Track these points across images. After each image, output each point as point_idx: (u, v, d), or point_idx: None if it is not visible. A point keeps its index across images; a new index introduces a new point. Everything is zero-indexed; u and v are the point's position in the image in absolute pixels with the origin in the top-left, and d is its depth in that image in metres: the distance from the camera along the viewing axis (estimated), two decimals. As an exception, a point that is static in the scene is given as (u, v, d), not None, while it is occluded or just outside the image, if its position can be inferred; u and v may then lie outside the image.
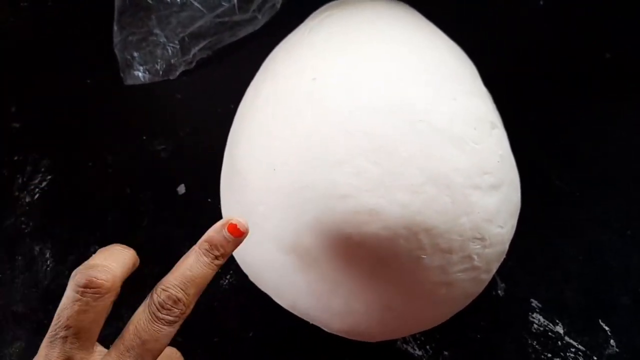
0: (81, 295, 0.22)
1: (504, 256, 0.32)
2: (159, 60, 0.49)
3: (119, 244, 0.25)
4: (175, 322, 0.22)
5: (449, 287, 0.28)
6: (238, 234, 0.24)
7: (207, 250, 0.24)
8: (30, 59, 0.53)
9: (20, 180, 0.45)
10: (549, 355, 0.36)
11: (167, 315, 0.22)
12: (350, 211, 0.26)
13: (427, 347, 0.36)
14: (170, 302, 0.22)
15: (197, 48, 0.50)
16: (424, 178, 0.27)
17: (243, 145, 0.33)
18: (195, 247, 0.24)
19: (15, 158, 0.46)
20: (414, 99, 0.29)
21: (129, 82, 0.50)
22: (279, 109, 0.31)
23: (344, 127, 0.28)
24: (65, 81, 0.51)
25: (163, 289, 0.22)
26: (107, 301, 0.22)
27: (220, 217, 0.37)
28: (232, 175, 0.34)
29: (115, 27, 0.50)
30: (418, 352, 0.36)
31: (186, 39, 0.50)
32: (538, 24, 0.51)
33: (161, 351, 0.22)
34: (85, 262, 0.23)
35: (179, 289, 0.22)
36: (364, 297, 0.28)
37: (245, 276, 0.35)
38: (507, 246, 0.31)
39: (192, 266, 0.23)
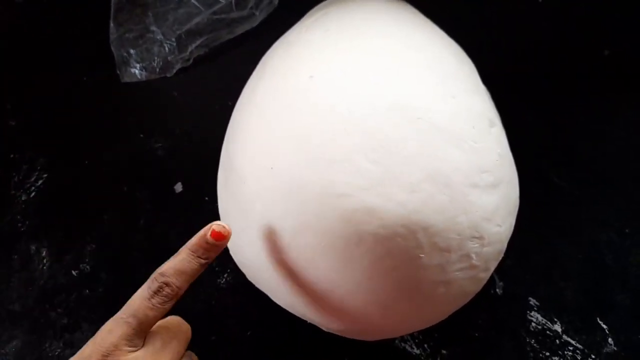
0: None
1: (502, 255, 0.31)
2: (155, 58, 0.49)
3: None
4: (166, 302, 0.26)
5: (447, 286, 0.28)
6: (220, 238, 0.28)
7: (194, 253, 0.27)
8: (26, 57, 0.52)
9: (16, 179, 0.45)
10: (547, 353, 0.36)
11: (160, 297, 0.26)
12: (348, 210, 0.26)
13: (425, 345, 0.36)
14: (164, 288, 0.26)
15: (194, 45, 0.50)
16: (422, 176, 0.26)
17: (240, 144, 0.33)
18: (186, 246, 0.28)
19: (11, 156, 0.46)
20: (412, 96, 0.29)
21: (126, 79, 0.49)
22: (276, 107, 0.31)
23: (342, 125, 0.28)
24: (62, 79, 0.50)
25: (160, 275, 0.26)
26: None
27: (217, 215, 0.37)
28: (229, 173, 0.33)
29: (112, 24, 0.50)
30: (416, 351, 0.36)
31: (183, 36, 0.50)
32: (536, 22, 0.51)
33: (154, 323, 0.26)
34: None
35: (172, 278, 0.26)
36: (362, 295, 0.28)
37: (243, 275, 0.35)
38: (505, 245, 0.31)
39: (182, 262, 0.27)
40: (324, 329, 0.32)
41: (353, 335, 0.32)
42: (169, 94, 0.49)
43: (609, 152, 0.44)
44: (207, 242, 0.27)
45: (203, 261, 0.27)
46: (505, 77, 0.40)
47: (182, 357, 0.27)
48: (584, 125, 0.46)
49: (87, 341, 0.36)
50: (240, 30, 0.51)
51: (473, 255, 0.28)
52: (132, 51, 0.49)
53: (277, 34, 0.39)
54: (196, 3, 0.50)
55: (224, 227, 0.28)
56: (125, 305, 0.26)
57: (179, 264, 0.27)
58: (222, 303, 0.39)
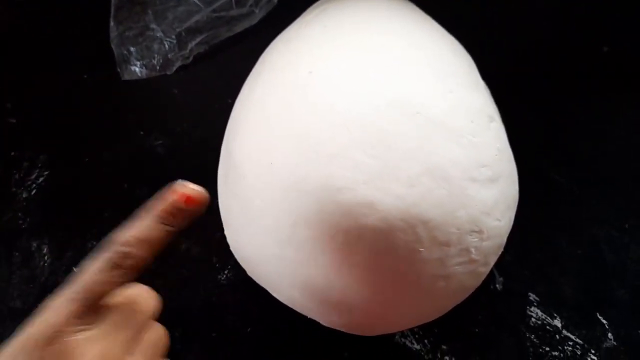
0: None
1: (502, 249, 0.32)
2: (155, 55, 0.49)
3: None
4: (127, 275, 0.22)
5: (446, 280, 0.28)
6: (194, 204, 0.24)
7: (160, 220, 0.23)
8: (27, 55, 0.52)
9: (17, 176, 0.45)
10: (547, 348, 0.36)
11: (121, 270, 0.22)
12: (347, 204, 0.26)
13: (425, 341, 0.37)
14: (125, 260, 0.22)
15: (194, 43, 0.50)
16: (421, 170, 0.27)
17: (240, 140, 0.33)
18: (150, 211, 0.23)
19: (12, 154, 0.46)
20: (411, 92, 0.29)
21: (126, 77, 0.50)
22: (276, 103, 0.31)
23: (341, 120, 0.28)
24: (62, 76, 0.50)
25: (121, 244, 0.22)
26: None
27: (217, 212, 0.37)
28: (229, 169, 0.34)
29: (112, 22, 0.50)
30: (416, 346, 0.36)
31: (183, 33, 0.50)
32: (536, 19, 0.51)
33: (106, 296, 0.22)
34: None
35: (134, 248, 0.22)
36: (362, 290, 0.28)
37: (243, 272, 0.35)
38: (504, 239, 0.31)
39: (146, 230, 0.23)
40: (324, 323, 0.32)
41: (353, 330, 0.32)
42: (169, 92, 0.49)
43: (608, 150, 0.45)
44: (176, 209, 0.23)
45: (171, 229, 0.23)
46: (505, 75, 0.40)
47: (146, 332, 0.23)
48: (583, 124, 0.46)
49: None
50: (239, 28, 0.51)
51: (472, 250, 0.28)
52: (132, 49, 0.50)
53: (277, 32, 0.39)
54: (196, 1, 0.50)
55: (196, 190, 0.23)
56: (75, 277, 0.22)
57: (143, 232, 0.22)
58: (223, 300, 0.39)
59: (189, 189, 0.24)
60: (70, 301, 0.21)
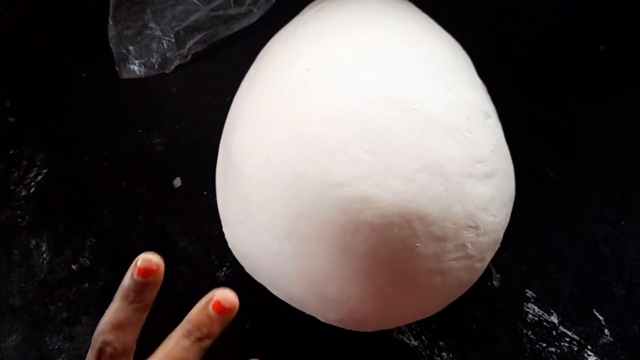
0: None
1: (499, 245, 0.32)
2: (154, 54, 0.49)
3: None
4: None
5: (443, 275, 0.28)
6: (149, 274, 0.23)
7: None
8: (26, 53, 0.52)
9: (16, 174, 0.45)
10: (544, 344, 0.36)
11: (106, 359, 0.21)
12: (344, 199, 0.27)
13: (423, 337, 0.37)
14: (105, 349, 0.21)
15: (192, 42, 0.50)
16: (417, 166, 0.27)
17: (238, 136, 0.33)
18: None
19: (11, 152, 0.46)
20: (408, 88, 0.29)
21: (125, 75, 0.50)
22: (273, 99, 0.31)
23: (338, 116, 0.28)
24: (61, 75, 0.51)
25: (99, 334, 0.22)
26: None
27: (216, 209, 0.37)
28: (227, 166, 0.34)
29: (111, 21, 0.50)
30: (414, 342, 0.37)
31: (181, 32, 0.50)
32: (533, 17, 0.52)
33: None
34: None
35: (110, 335, 0.22)
36: (359, 285, 0.28)
37: (241, 268, 0.35)
38: (501, 235, 0.31)
39: (116, 313, 0.22)
40: (321, 319, 0.32)
41: (350, 326, 0.32)
42: (168, 90, 0.49)
43: (605, 148, 0.45)
44: (135, 282, 0.23)
45: (138, 305, 0.23)
46: (503, 73, 0.41)
47: None
48: (580, 122, 0.46)
49: (86, 335, 0.36)
50: (238, 27, 0.51)
51: (469, 245, 0.28)
52: (130, 48, 0.50)
53: (275, 31, 0.40)
54: (194, 0, 0.50)
55: (150, 260, 0.23)
56: None
57: (114, 316, 0.22)
58: (221, 297, 0.39)
59: (144, 261, 0.23)
60: None
